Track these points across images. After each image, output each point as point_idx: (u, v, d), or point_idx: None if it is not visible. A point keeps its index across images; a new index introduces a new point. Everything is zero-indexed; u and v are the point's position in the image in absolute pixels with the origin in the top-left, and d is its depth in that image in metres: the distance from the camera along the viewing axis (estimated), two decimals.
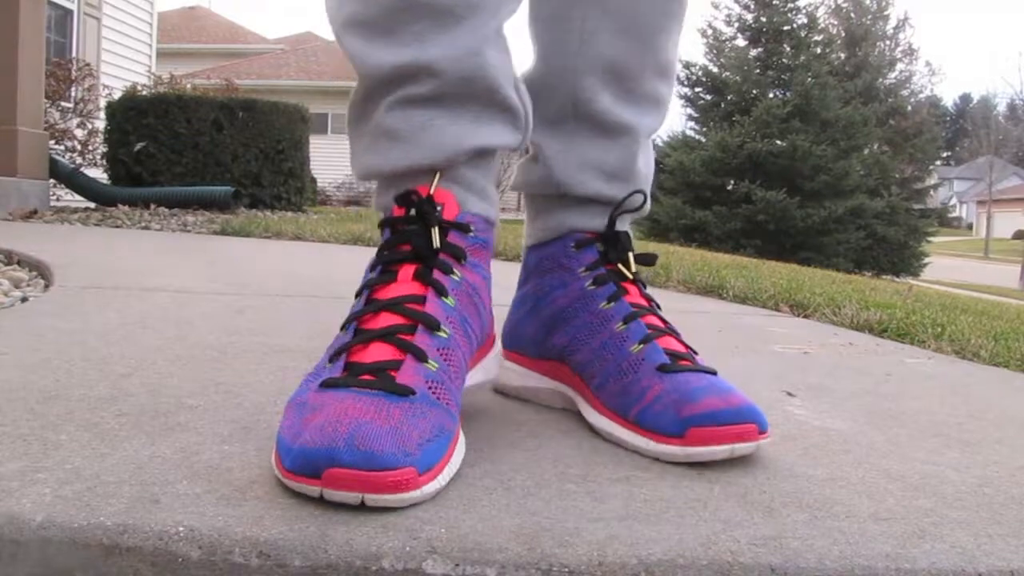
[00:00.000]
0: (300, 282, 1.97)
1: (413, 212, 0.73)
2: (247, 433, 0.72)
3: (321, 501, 0.56)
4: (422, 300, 0.70)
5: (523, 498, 0.60)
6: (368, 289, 0.71)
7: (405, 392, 0.62)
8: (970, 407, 1.06)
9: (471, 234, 0.75)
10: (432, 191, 0.73)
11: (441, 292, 0.71)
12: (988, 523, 0.62)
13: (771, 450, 0.76)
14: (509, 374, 0.91)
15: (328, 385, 0.63)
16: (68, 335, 1.11)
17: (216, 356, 1.03)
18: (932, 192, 22.65)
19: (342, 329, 0.70)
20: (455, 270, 0.72)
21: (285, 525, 0.53)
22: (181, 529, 0.52)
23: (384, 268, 0.72)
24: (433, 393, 0.64)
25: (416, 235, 0.72)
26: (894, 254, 16.54)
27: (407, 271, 0.71)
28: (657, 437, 0.72)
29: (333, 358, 0.67)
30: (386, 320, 0.68)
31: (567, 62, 0.86)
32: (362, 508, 0.55)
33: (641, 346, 0.78)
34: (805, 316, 2.00)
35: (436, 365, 0.66)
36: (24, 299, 1.58)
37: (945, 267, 21.11)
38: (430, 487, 0.58)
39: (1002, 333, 1.81)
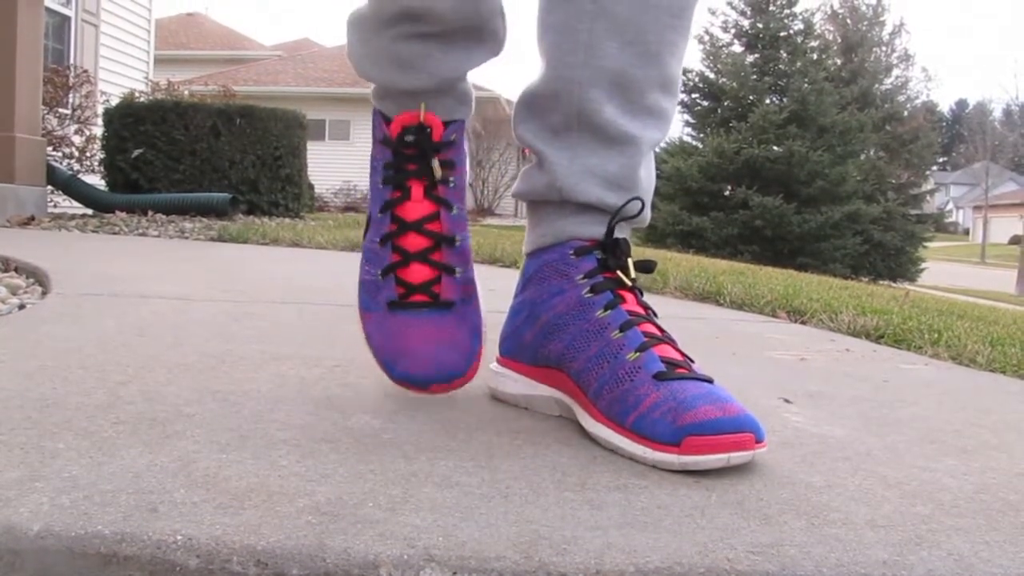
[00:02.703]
0: (297, 289, 1.97)
1: (410, 138, 0.90)
2: (245, 441, 0.72)
3: (318, 510, 0.56)
4: (436, 217, 0.91)
5: (521, 506, 0.61)
6: (391, 208, 0.90)
7: (449, 305, 0.90)
8: (967, 413, 1.06)
9: (455, 143, 0.91)
10: (423, 118, 0.90)
11: (448, 206, 0.91)
12: (985, 530, 0.63)
13: (768, 457, 0.77)
14: (506, 381, 0.91)
15: (394, 306, 0.90)
16: (65, 342, 1.11)
17: (214, 364, 1.03)
18: (928, 197, 22.68)
19: (381, 243, 0.90)
20: (451, 178, 0.92)
21: (283, 534, 0.53)
22: (179, 538, 0.52)
23: (396, 186, 0.91)
24: (464, 292, 0.91)
25: (418, 158, 0.90)
26: (891, 259, 16.57)
27: (418, 190, 0.90)
28: (654, 445, 0.72)
29: (384, 273, 0.90)
30: (415, 241, 0.90)
31: (573, 73, 0.87)
32: (360, 516, 0.55)
33: (638, 354, 0.79)
34: (802, 322, 2.00)
35: (460, 270, 0.91)
36: (21, 306, 1.58)
37: (942, 272, 21.14)
38: (481, 360, 0.90)
39: (998, 339, 1.82)
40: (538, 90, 0.90)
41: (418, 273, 0.90)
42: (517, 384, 0.91)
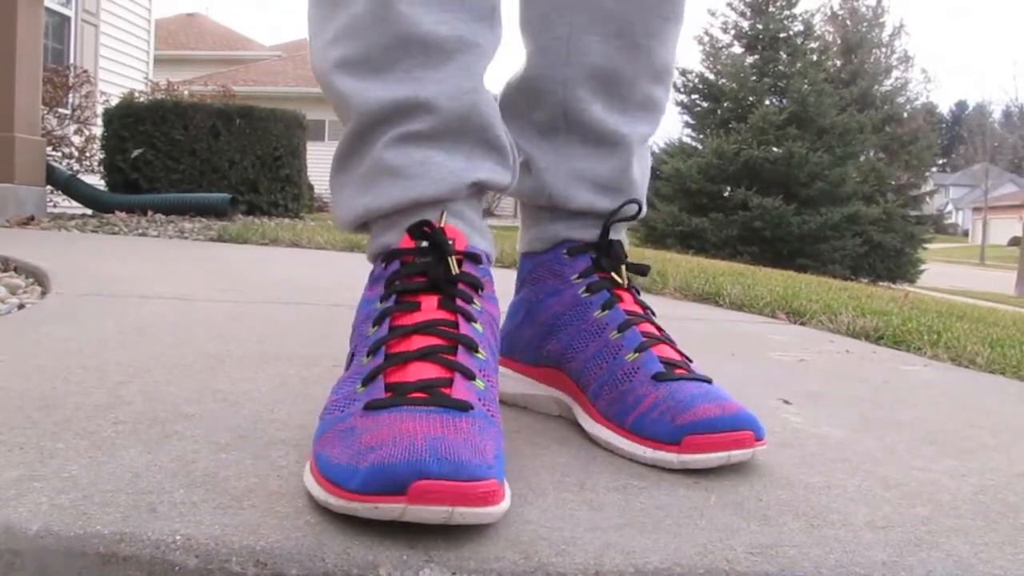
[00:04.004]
0: (297, 289, 1.97)
1: (425, 244, 0.71)
2: (244, 441, 0.72)
3: (317, 510, 0.56)
4: (454, 325, 0.67)
5: (520, 507, 0.60)
6: (388, 317, 0.67)
7: (464, 407, 0.58)
8: (966, 414, 1.06)
9: (482, 265, 0.74)
10: (443, 224, 0.72)
11: (470, 318, 0.68)
12: (984, 531, 0.63)
13: (768, 458, 0.77)
14: (506, 381, 0.91)
15: (376, 407, 0.59)
16: (65, 342, 1.11)
17: (213, 364, 1.03)
18: (928, 199, 22.68)
19: (367, 356, 0.65)
20: (475, 300, 0.70)
21: (282, 534, 0.53)
22: (178, 538, 0.52)
23: (400, 298, 0.69)
24: (487, 410, 0.61)
25: (431, 266, 0.69)
26: (890, 261, 16.57)
27: (430, 301, 0.68)
28: (654, 444, 0.71)
29: (366, 382, 0.62)
30: (421, 342, 0.64)
31: (556, 72, 0.84)
32: (357, 524, 0.55)
33: (637, 354, 0.78)
34: (801, 323, 2.00)
35: (483, 384, 0.64)
36: (21, 306, 1.58)
37: (941, 274, 21.14)
38: (505, 503, 0.56)
39: (998, 340, 1.82)
40: (521, 86, 0.87)
41: (419, 371, 0.62)
42: (517, 383, 0.90)
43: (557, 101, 0.85)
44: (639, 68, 0.85)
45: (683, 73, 17.18)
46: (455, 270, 0.70)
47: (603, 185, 0.86)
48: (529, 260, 0.91)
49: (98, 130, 6.21)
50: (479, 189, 0.77)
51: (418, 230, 0.72)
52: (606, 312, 0.82)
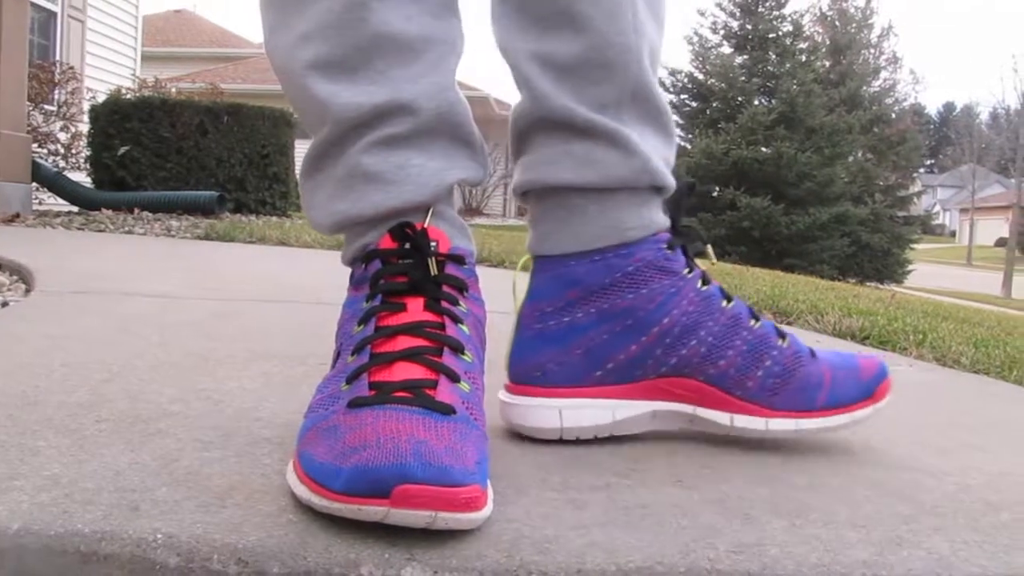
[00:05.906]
0: (284, 287, 1.96)
1: (408, 245, 0.69)
2: (228, 440, 0.72)
3: (300, 508, 0.56)
4: (441, 327, 0.66)
5: (503, 505, 0.60)
6: (374, 317, 0.67)
7: (447, 410, 0.58)
8: (950, 414, 1.07)
9: (466, 266, 0.73)
10: (427, 226, 0.71)
11: (456, 320, 0.68)
12: (965, 530, 0.63)
13: (750, 456, 0.77)
14: (596, 413, 0.78)
15: (359, 404, 0.59)
16: (48, 340, 1.11)
17: (198, 362, 1.03)
18: (916, 199, 22.82)
19: (352, 355, 0.65)
20: (460, 302, 0.70)
21: (264, 532, 0.53)
22: (159, 536, 0.51)
23: (386, 299, 0.68)
24: (470, 414, 0.61)
25: (413, 268, 0.68)
26: (878, 261, 16.66)
27: (416, 303, 0.67)
28: (848, 408, 0.80)
29: (350, 380, 0.62)
30: (406, 343, 0.64)
31: (627, 39, 0.76)
32: (339, 523, 0.55)
33: (784, 340, 0.81)
34: (788, 323, 2.01)
35: (468, 387, 0.63)
36: (4, 303, 1.57)
37: (928, 274, 21.25)
38: (488, 509, 0.55)
39: (983, 340, 1.83)
40: (583, 56, 0.76)
41: (404, 371, 0.62)
42: (610, 412, 0.78)
43: (629, 75, 0.77)
44: (659, 45, 0.83)
45: (672, 73, 17.23)
46: (434, 270, 0.69)
47: (669, 162, 0.83)
48: (597, 262, 0.78)
49: (84, 127, 6.17)
50: (454, 187, 0.77)
51: (399, 231, 0.70)
52: (731, 303, 0.80)
